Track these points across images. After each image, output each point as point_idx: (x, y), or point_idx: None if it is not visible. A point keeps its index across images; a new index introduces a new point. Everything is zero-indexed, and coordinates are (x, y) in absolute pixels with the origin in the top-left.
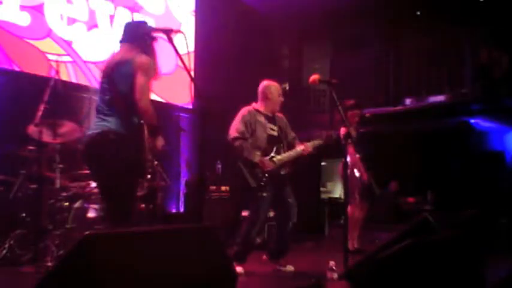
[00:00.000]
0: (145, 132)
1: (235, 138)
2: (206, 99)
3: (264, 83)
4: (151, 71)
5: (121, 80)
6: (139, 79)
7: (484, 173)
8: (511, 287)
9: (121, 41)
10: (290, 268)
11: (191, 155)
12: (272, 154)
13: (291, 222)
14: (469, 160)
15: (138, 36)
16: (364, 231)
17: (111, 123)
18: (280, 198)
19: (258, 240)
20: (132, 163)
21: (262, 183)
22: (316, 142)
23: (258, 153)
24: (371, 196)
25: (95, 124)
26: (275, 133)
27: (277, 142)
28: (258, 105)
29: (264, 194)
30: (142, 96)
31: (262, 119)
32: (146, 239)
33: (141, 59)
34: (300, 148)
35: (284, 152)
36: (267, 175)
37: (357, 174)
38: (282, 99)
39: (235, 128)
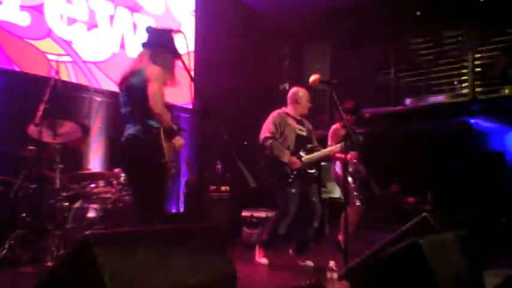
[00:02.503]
0: (162, 135)
1: (267, 138)
2: (206, 99)
3: (294, 88)
4: (162, 78)
5: (136, 90)
6: (152, 87)
7: (484, 173)
8: (511, 287)
9: (142, 45)
10: (310, 263)
11: (191, 155)
12: (301, 153)
13: (313, 222)
14: (469, 160)
15: (157, 45)
16: (364, 232)
17: (132, 129)
18: (305, 196)
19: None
20: (152, 165)
21: (291, 180)
22: (344, 144)
23: (288, 152)
24: (366, 198)
25: (123, 134)
26: (304, 133)
27: (307, 141)
28: (287, 109)
29: (293, 190)
30: (155, 102)
31: (291, 121)
32: (146, 239)
33: (151, 68)
34: (328, 149)
35: (314, 151)
36: (295, 172)
37: (349, 178)
38: (309, 104)
39: (266, 129)
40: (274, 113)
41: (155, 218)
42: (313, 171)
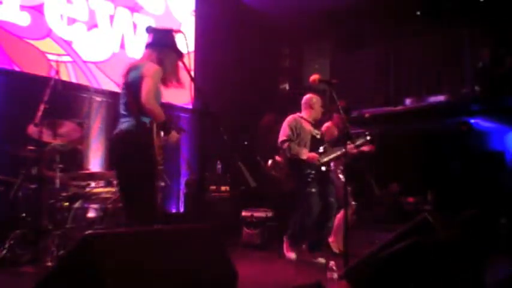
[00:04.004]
0: (154, 131)
1: (284, 141)
2: (206, 99)
3: (308, 95)
4: (159, 76)
5: (132, 84)
6: (146, 82)
7: (484, 173)
8: (511, 287)
9: (146, 45)
10: (322, 260)
11: (191, 155)
12: (319, 151)
13: (330, 221)
14: (469, 160)
15: (164, 45)
16: (364, 232)
17: (124, 124)
18: (323, 197)
19: (258, 240)
20: (143, 162)
21: (310, 180)
22: (360, 141)
23: (306, 150)
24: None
25: (116, 127)
26: (318, 136)
27: (321, 143)
28: (302, 114)
29: (313, 190)
30: (148, 99)
31: (306, 124)
32: (146, 239)
33: (149, 65)
34: (344, 147)
35: (328, 151)
36: (314, 172)
37: (341, 177)
38: (323, 110)
39: (283, 133)
40: (290, 118)
41: (148, 217)
42: (327, 169)
